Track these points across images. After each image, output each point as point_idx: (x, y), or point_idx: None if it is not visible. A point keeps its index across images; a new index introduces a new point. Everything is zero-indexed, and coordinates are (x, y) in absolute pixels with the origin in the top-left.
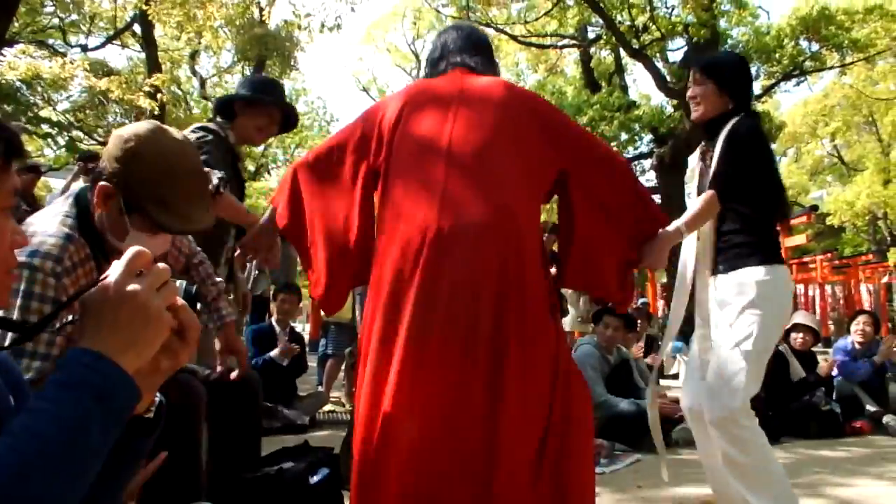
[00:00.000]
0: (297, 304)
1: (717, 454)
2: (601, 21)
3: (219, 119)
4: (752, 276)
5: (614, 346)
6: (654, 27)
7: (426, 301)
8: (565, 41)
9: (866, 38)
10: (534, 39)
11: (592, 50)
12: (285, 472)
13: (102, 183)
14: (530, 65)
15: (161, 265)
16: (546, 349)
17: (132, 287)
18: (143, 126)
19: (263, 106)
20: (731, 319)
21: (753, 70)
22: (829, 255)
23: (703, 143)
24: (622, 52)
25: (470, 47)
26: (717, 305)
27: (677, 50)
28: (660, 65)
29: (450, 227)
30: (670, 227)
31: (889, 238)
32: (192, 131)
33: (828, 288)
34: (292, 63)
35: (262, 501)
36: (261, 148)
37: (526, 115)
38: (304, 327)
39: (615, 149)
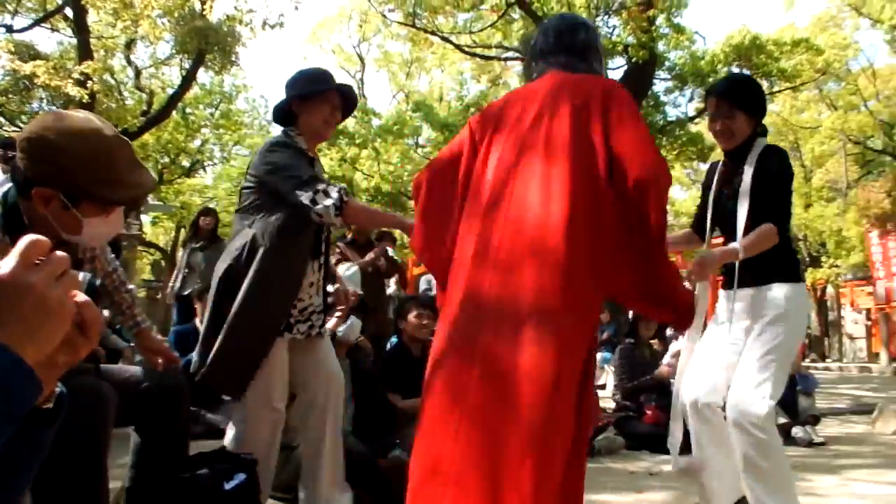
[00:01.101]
0: None
1: (719, 450)
2: None
3: (283, 129)
4: (782, 291)
5: None
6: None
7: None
8: (509, 53)
9: (793, 69)
10: (479, 50)
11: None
12: (198, 478)
13: (36, 189)
14: (474, 75)
15: (59, 253)
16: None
17: (28, 277)
18: (43, 120)
19: (321, 96)
20: (759, 330)
21: (689, 92)
22: None
23: (726, 162)
24: None
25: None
26: (737, 316)
27: (617, 69)
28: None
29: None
30: (728, 247)
31: (808, 258)
32: (269, 151)
33: None
34: (233, 59)
35: None
36: (196, 143)
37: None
38: None
39: None
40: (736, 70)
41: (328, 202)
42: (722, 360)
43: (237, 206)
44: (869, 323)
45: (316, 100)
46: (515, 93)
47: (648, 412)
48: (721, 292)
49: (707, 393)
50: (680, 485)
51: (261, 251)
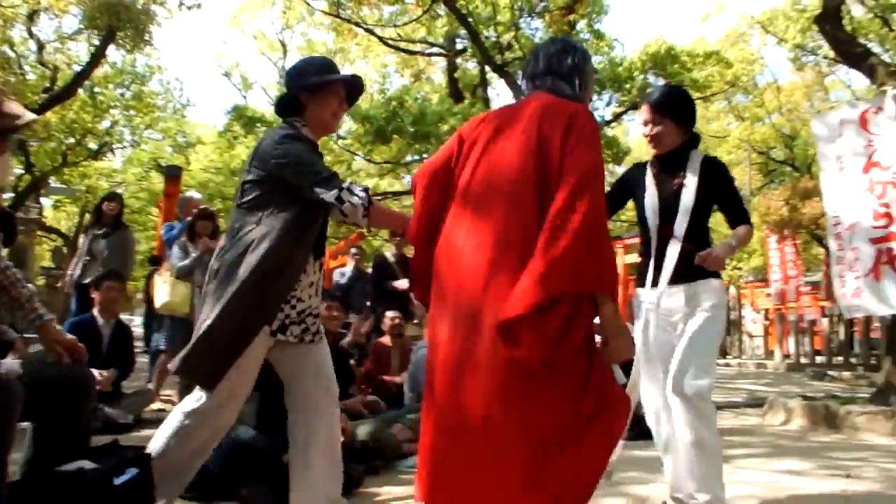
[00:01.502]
0: (121, 294)
1: (679, 444)
2: (468, 34)
3: (286, 119)
4: (718, 284)
5: None
6: (517, 46)
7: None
8: (434, 49)
9: (704, 80)
10: (403, 45)
11: (459, 60)
12: (87, 473)
13: None
14: (398, 68)
15: None
16: None
17: None
18: None
19: (330, 87)
20: (701, 317)
21: (606, 97)
22: None
23: (656, 165)
24: (487, 66)
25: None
26: (671, 310)
27: None
28: (522, 82)
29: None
30: (727, 242)
31: None
32: (279, 143)
33: None
34: (146, 38)
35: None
36: (105, 124)
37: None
38: (139, 319)
39: None
40: (652, 78)
41: (356, 201)
42: (665, 359)
43: (237, 201)
44: (767, 322)
45: (326, 91)
46: (500, 109)
47: None
48: (645, 290)
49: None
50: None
51: (266, 244)
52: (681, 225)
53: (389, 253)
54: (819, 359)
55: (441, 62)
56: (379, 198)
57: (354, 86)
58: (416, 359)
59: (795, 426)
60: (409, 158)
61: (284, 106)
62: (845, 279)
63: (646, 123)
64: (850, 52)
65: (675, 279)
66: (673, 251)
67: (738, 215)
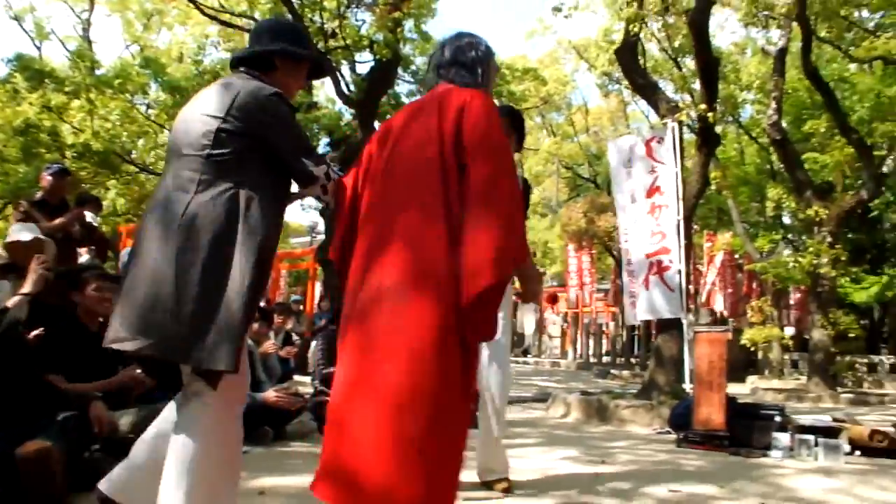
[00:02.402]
0: None
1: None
2: (291, 15)
3: (253, 73)
4: (509, 290)
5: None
6: (341, 35)
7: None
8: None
9: (521, 94)
10: (225, 17)
11: None
12: None
13: None
14: (220, 40)
15: None
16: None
17: None
18: None
19: (305, 62)
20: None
21: None
22: None
23: None
24: None
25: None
26: None
27: (364, 63)
28: (347, 73)
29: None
30: None
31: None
32: (269, 100)
33: None
34: None
35: None
36: None
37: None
38: None
39: None
40: None
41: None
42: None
43: (206, 151)
44: (565, 325)
45: (301, 63)
46: (410, 104)
47: None
48: None
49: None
50: None
51: (261, 220)
52: None
53: None
54: (606, 359)
55: None
56: None
57: (319, 69)
58: None
59: (572, 418)
60: None
61: (250, 60)
62: (627, 288)
63: None
64: (641, 84)
65: None
66: None
67: None
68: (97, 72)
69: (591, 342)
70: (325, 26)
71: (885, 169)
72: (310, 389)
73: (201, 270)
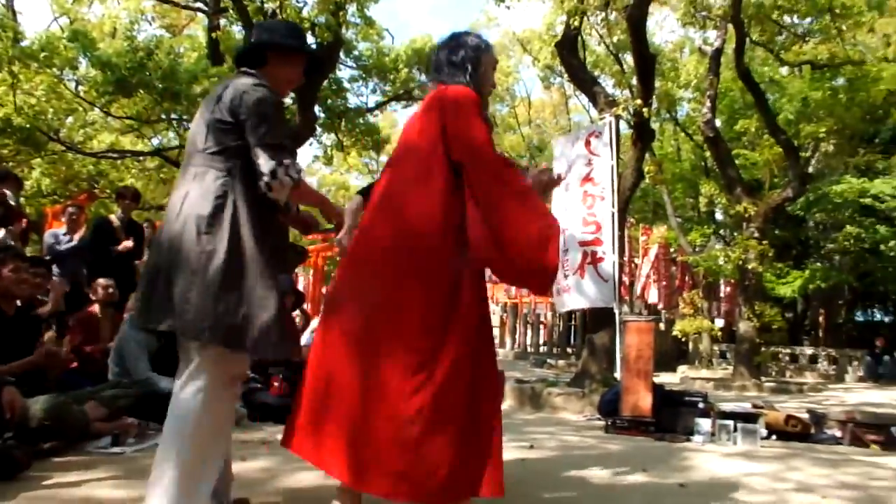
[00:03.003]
0: None
1: None
2: None
3: (247, 70)
4: None
5: None
6: (282, 16)
7: None
8: (198, 4)
9: None
10: None
11: (223, 22)
12: None
13: None
14: (156, 15)
15: None
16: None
17: None
18: None
19: (299, 56)
20: None
21: (372, 84)
22: None
23: None
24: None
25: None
26: None
27: None
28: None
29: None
30: None
31: None
32: (261, 97)
33: None
34: None
35: None
36: None
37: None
38: None
39: None
40: (416, 73)
41: (287, 182)
42: None
43: (202, 146)
44: (504, 315)
45: (294, 57)
46: (421, 104)
47: (276, 384)
48: None
49: None
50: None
51: (250, 205)
52: None
53: (115, 216)
54: (543, 349)
55: (205, 20)
56: (115, 156)
57: (315, 63)
58: (123, 332)
59: (506, 406)
60: (156, 118)
61: (245, 56)
62: (559, 278)
63: None
64: (581, 78)
65: None
66: None
67: None
68: (21, 43)
69: (529, 332)
70: (266, 6)
71: (810, 169)
72: None
73: (190, 257)
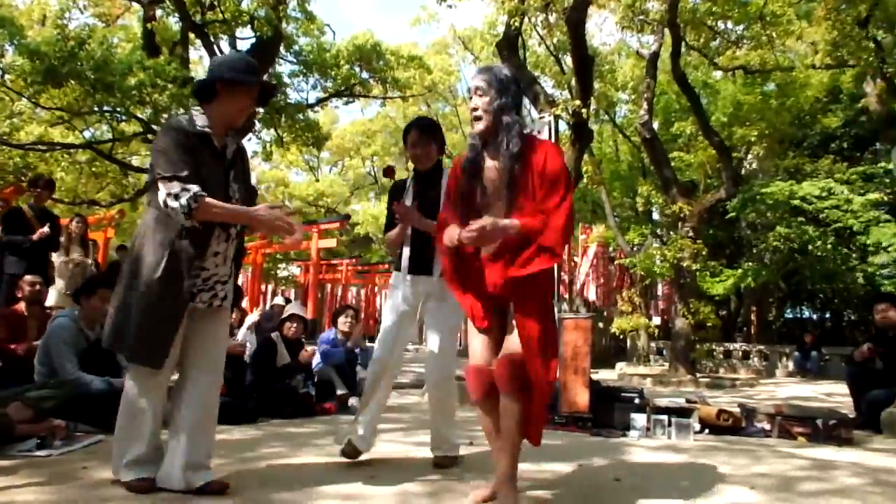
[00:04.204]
0: None
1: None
2: None
3: (195, 107)
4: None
5: (98, 322)
6: (220, 8)
7: None
8: None
9: (405, 81)
10: None
11: (160, 13)
12: None
13: None
14: (88, 3)
15: None
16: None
17: None
18: None
19: (246, 87)
20: (448, 309)
21: (312, 80)
22: (354, 259)
23: (416, 178)
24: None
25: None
26: (436, 298)
27: (245, 39)
28: (226, 48)
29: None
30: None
31: None
32: (160, 133)
33: (352, 289)
34: None
35: None
36: None
37: None
38: None
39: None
40: (357, 69)
41: (175, 206)
42: (401, 337)
43: (149, 181)
44: None
45: (239, 88)
46: None
47: None
48: (404, 277)
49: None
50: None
51: (166, 231)
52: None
53: (26, 205)
54: None
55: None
56: (44, 148)
57: (268, 92)
58: (52, 329)
59: None
60: (88, 109)
61: (200, 89)
62: None
63: (414, 146)
64: (521, 78)
65: (429, 269)
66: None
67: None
68: None
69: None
70: None
71: (742, 171)
72: None
73: (124, 285)
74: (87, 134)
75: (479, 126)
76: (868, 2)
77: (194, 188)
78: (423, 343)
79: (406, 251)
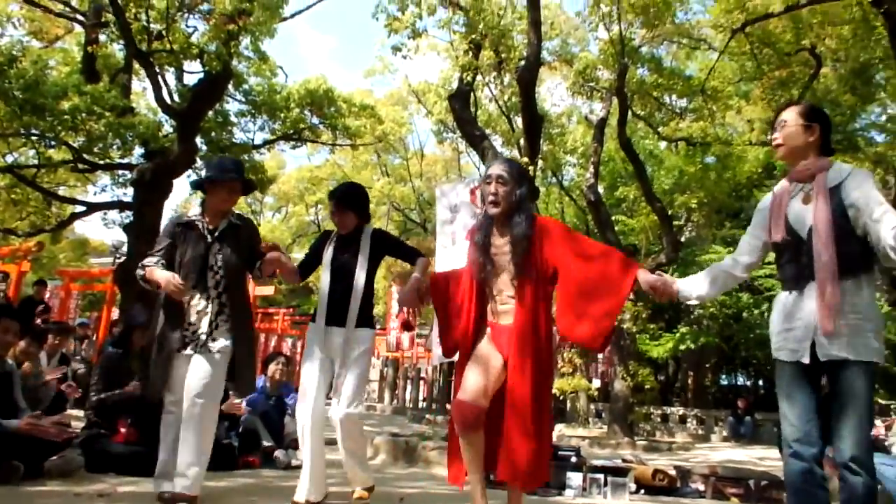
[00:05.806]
0: None
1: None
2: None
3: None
4: (370, 333)
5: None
6: (168, 38)
7: None
8: (72, 14)
9: (356, 129)
10: None
11: (103, 38)
12: None
13: None
14: (23, 19)
15: None
16: None
17: None
18: None
19: (222, 183)
20: (356, 359)
21: (260, 121)
22: (291, 309)
23: (336, 240)
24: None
25: None
26: (348, 346)
27: (193, 73)
28: (172, 81)
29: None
30: (414, 277)
31: None
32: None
33: (288, 340)
34: None
35: None
36: None
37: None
38: None
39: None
40: (308, 114)
41: (139, 273)
42: (322, 385)
43: None
44: (385, 369)
45: (218, 184)
46: None
47: (122, 430)
48: (319, 327)
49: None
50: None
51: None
52: (359, 281)
53: None
54: (423, 404)
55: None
56: None
57: (250, 186)
58: None
59: (379, 460)
60: (13, 131)
61: (196, 186)
62: (434, 332)
63: (332, 214)
64: (471, 132)
65: (342, 321)
66: (354, 304)
67: (409, 255)
68: None
69: (409, 387)
70: (151, 27)
71: (682, 237)
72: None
73: None
74: (9, 158)
75: (495, 210)
76: (799, 86)
77: (148, 261)
78: (334, 392)
79: (324, 302)
